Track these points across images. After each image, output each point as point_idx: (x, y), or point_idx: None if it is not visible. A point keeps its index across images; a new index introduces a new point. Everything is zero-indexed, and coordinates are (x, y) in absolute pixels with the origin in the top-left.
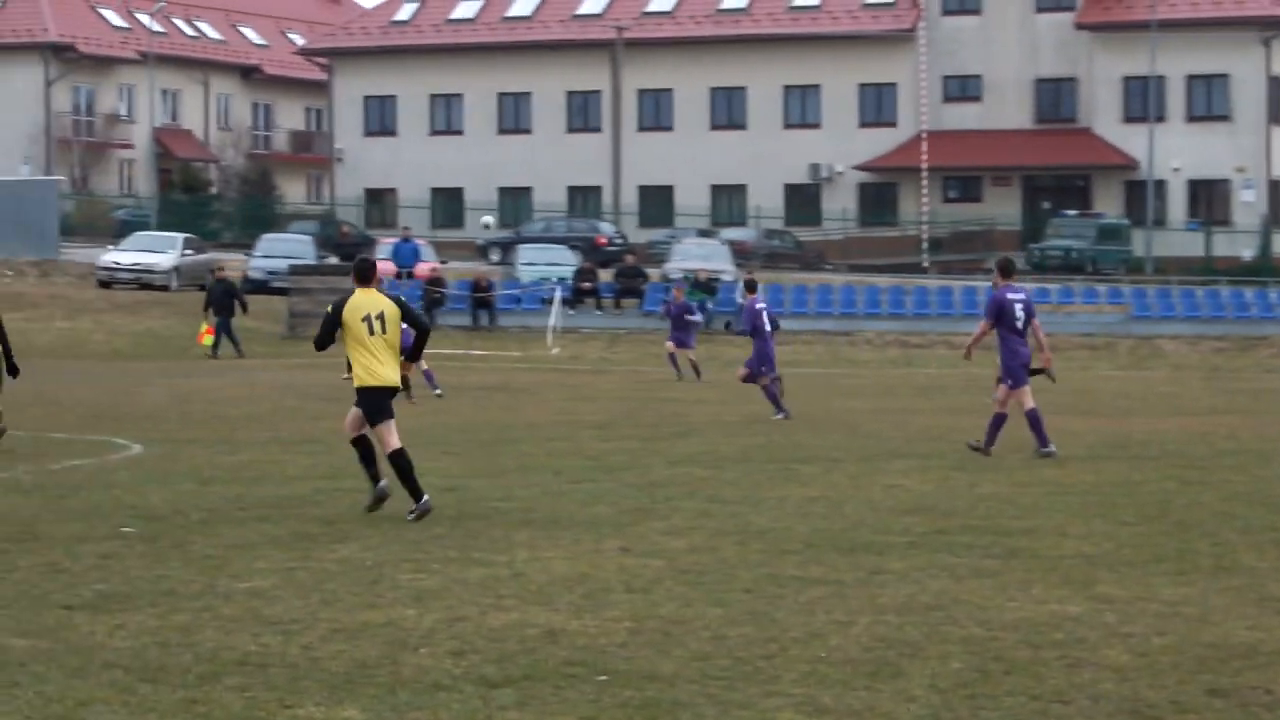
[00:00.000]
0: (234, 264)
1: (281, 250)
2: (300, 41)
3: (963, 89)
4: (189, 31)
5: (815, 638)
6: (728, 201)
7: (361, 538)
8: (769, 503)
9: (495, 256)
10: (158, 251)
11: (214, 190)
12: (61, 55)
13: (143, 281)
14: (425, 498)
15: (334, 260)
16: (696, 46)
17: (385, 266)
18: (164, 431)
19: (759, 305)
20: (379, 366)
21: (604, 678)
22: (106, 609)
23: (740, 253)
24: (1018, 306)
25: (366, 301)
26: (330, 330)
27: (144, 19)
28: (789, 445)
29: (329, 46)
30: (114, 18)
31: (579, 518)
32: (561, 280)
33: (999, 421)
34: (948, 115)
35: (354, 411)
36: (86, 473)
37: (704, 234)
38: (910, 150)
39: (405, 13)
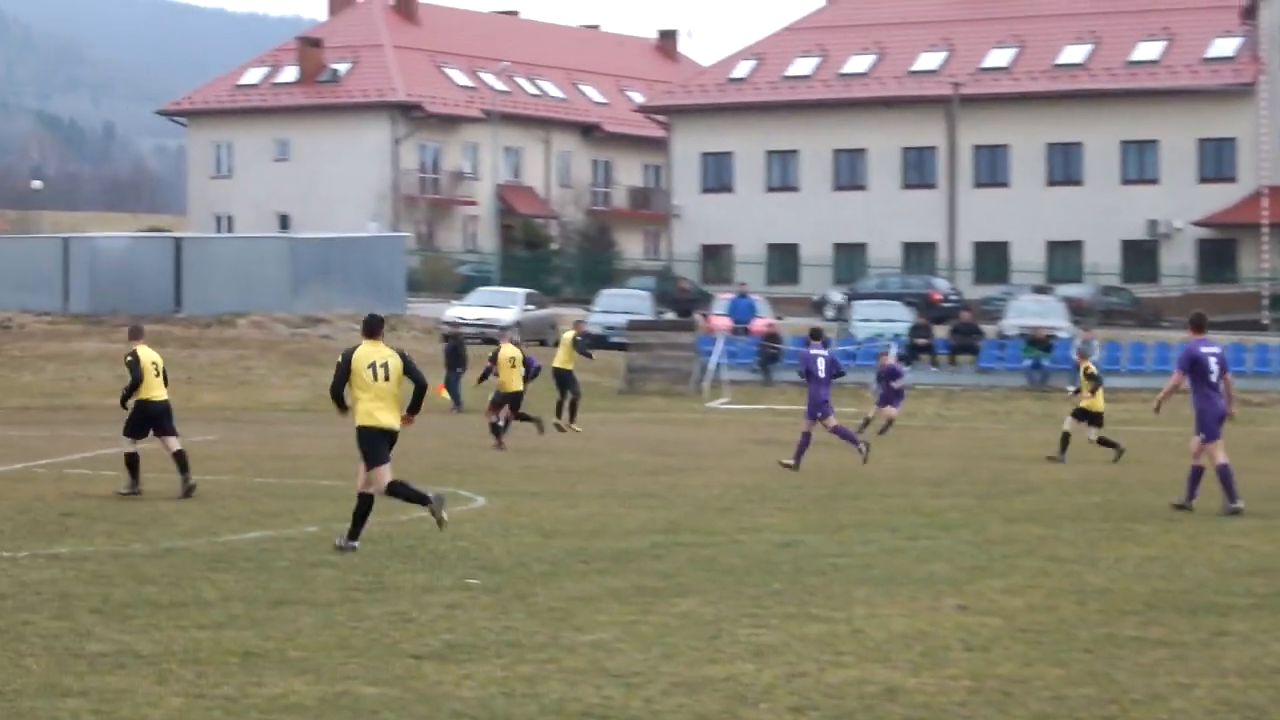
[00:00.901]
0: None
1: (620, 306)
2: (639, 99)
3: None
4: (531, 90)
5: (1157, 700)
6: (1064, 258)
7: (701, 592)
8: (1107, 562)
9: (831, 313)
10: (500, 306)
11: (554, 246)
12: (409, 114)
13: (486, 336)
14: (357, 545)
15: (672, 316)
16: (1033, 102)
17: (722, 322)
18: (507, 484)
19: (813, 352)
20: (380, 411)
21: None
22: (454, 659)
23: (1076, 310)
24: (1211, 360)
25: (373, 352)
26: (345, 377)
27: (488, 78)
28: (1126, 504)
29: (667, 104)
30: (460, 77)
31: (916, 575)
32: (896, 337)
33: (1196, 474)
34: None
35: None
36: (432, 524)
37: (1039, 290)
38: (1250, 206)
39: (742, 70)
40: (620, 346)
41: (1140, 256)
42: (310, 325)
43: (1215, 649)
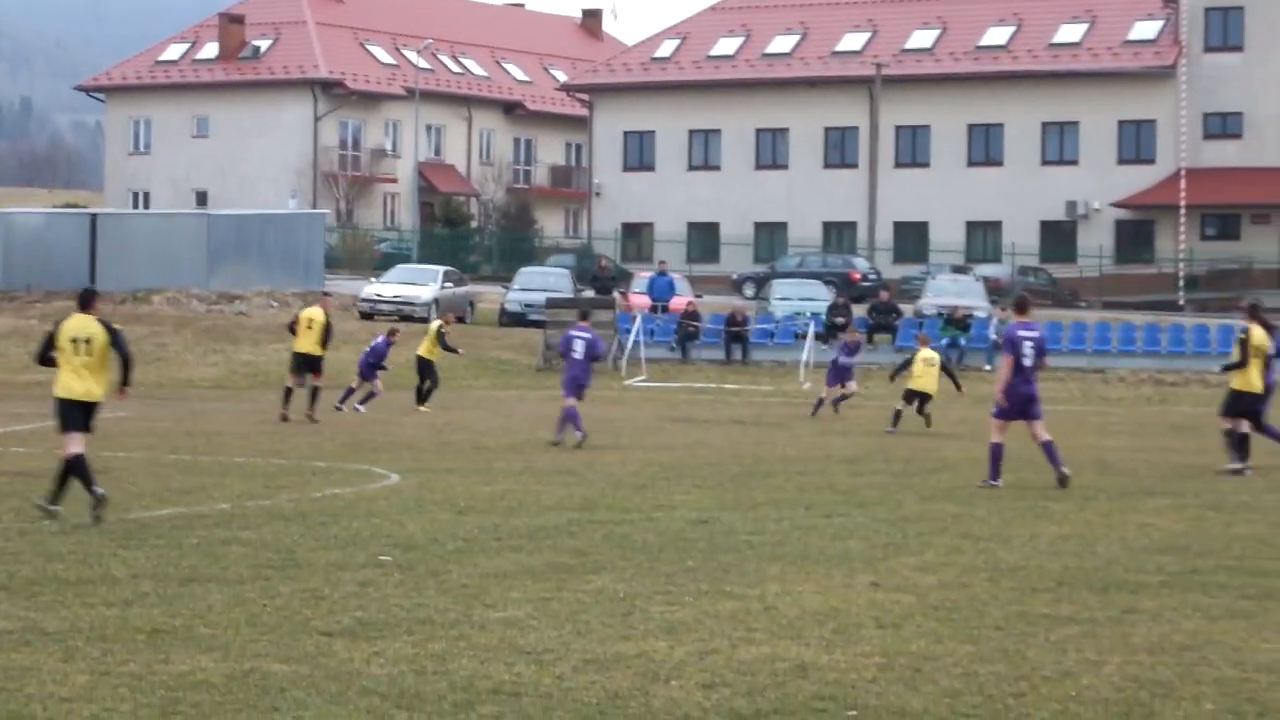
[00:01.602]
0: (488, 297)
1: (539, 283)
2: (562, 77)
3: (1223, 126)
4: (454, 68)
5: (1067, 677)
6: (983, 238)
7: (615, 569)
8: (1020, 539)
9: (750, 291)
10: (418, 284)
11: (474, 224)
12: (330, 91)
13: (403, 313)
14: (59, 509)
15: (591, 294)
16: (955, 83)
17: (641, 300)
18: (421, 461)
19: (574, 333)
20: (77, 382)
21: (853, 713)
22: (364, 636)
23: (994, 289)
24: (1027, 344)
25: (79, 326)
26: (48, 346)
27: (411, 56)
28: (1041, 482)
29: (590, 83)
30: (382, 54)
31: (830, 552)
32: (815, 315)
33: (1050, 450)
34: (1207, 152)
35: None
36: (346, 501)
37: (958, 270)
38: (1168, 187)
39: (666, 49)
40: (539, 324)
41: (1059, 237)
42: (226, 302)
43: (1125, 626)
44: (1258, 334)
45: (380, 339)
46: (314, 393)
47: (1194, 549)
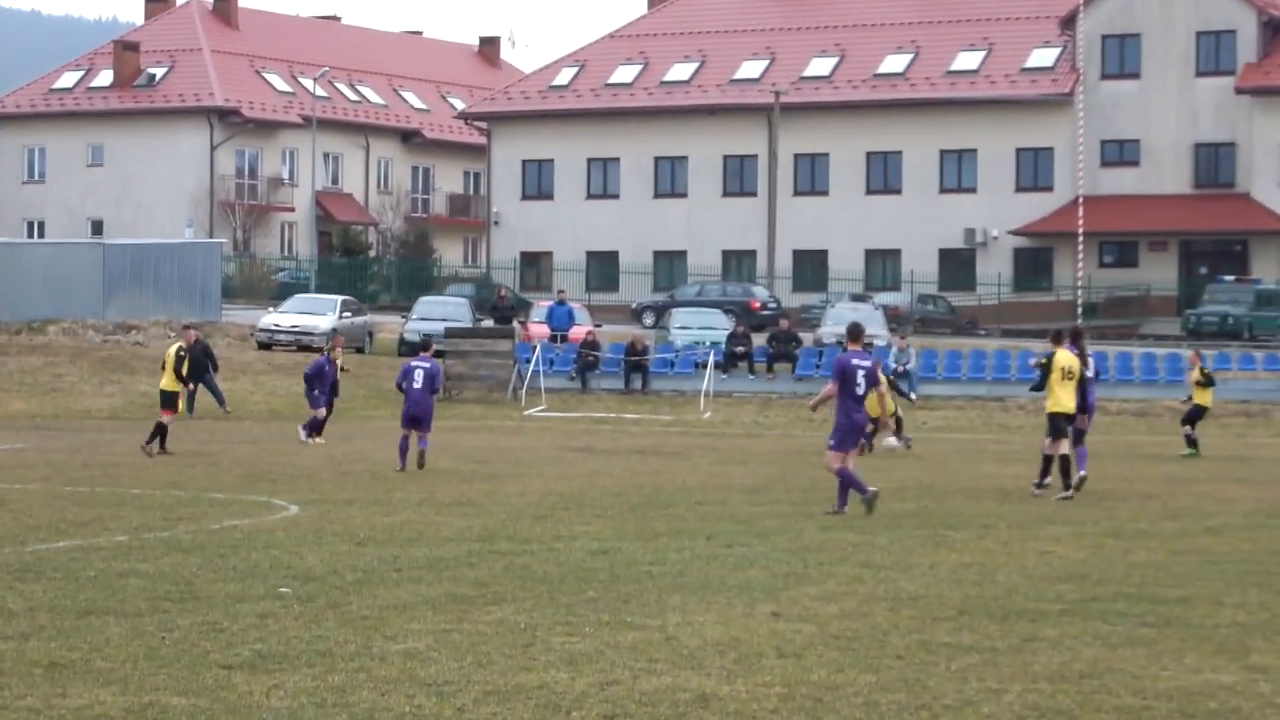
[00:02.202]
0: (388, 326)
1: (438, 313)
2: (460, 106)
3: (1120, 153)
4: (351, 96)
5: (968, 705)
6: (882, 266)
7: (515, 600)
8: (921, 568)
9: (649, 320)
10: (316, 314)
11: (372, 253)
12: (226, 119)
13: (301, 343)
14: None
15: (490, 323)
16: (853, 111)
17: (540, 330)
18: (320, 492)
19: (413, 363)
20: None
21: None
22: (264, 669)
23: (893, 317)
24: (860, 373)
25: None
26: None
27: (308, 83)
28: (941, 511)
29: (488, 111)
30: (279, 82)
31: (731, 582)
32: (715, 344)
33: (845, 483)
34: (1105, 180)
35: None
36: (245, 533)
37: (857, 298)
38: (1066, 215)
39: (564, 77)
40: (438, 354)
41: (958, 265)
42: (123, 332)
43: (1026, 654)
44: (1064, 357)
45: (322, 358)
46: (156, 427)
47: (1093, 577)
